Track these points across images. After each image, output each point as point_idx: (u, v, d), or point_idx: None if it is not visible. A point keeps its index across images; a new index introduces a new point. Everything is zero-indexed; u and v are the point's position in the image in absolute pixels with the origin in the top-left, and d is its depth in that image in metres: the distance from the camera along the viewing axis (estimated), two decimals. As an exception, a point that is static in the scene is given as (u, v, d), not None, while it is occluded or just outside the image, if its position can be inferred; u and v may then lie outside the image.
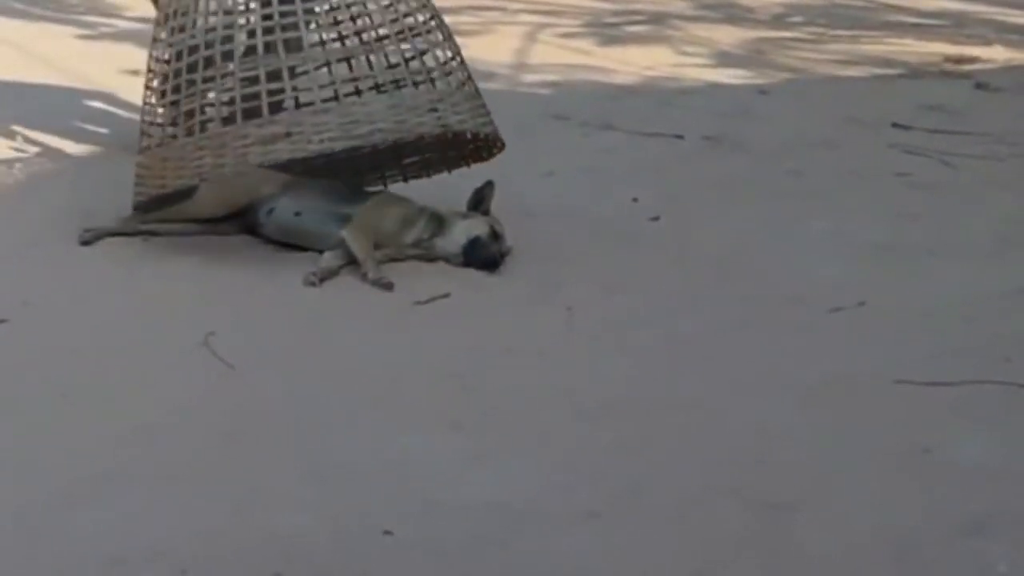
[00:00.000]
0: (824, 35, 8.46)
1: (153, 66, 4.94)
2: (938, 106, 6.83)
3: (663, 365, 4.15)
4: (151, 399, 3.86)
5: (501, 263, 4.78)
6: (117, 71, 6.93)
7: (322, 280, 4.63)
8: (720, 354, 4.22)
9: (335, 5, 4.91)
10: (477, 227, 4.81)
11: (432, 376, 4.06)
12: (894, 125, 6.47)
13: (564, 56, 7.80)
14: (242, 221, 4.93)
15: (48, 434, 3.67)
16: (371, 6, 4.90)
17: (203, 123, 4.80)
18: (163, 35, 4.90)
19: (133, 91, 6.37)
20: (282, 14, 4.73)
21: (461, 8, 8.24)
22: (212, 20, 4.81)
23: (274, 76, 4.70)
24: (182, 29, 4.81)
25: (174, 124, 4.83)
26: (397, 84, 4.81)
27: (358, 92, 4.84)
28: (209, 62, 4.75)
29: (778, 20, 8.89)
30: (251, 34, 4.77)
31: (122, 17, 8.29)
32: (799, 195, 5.63)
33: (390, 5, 4.90)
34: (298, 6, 4.75)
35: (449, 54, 4.91)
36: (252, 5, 4.85)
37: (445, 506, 3.37)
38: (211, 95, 4.80)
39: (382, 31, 4.90)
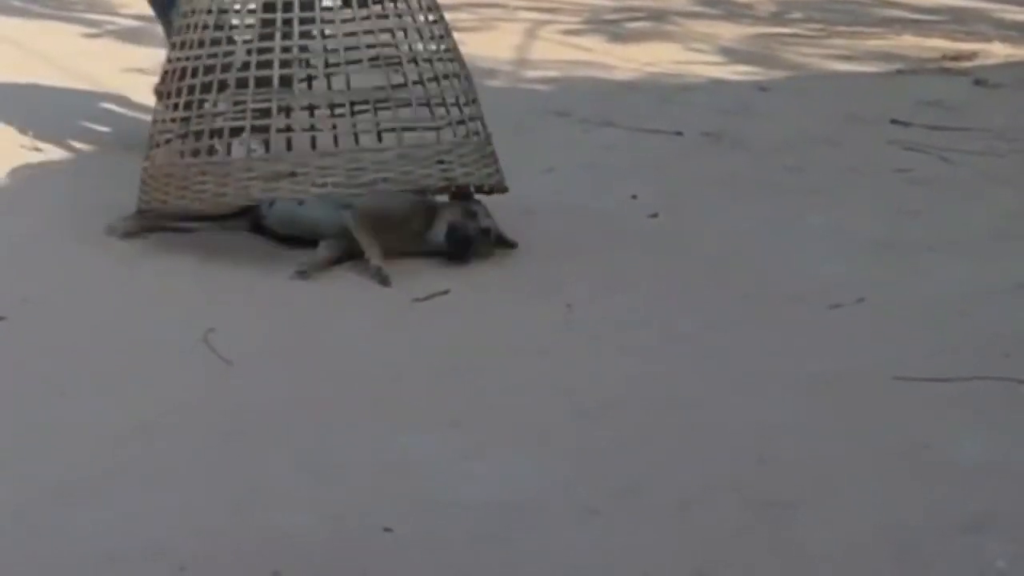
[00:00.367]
0: (824, 31, 8.46)
1: (168, 73, 4.93)
2: (937, 102, 6.82)
3: (663, 362, 4.15)
4: (150, 396, 3.86)
5: (479, 241, 4.78)
6: (117, 69, 6.94)
7: (312, 272, 4.64)
8: (720, 351, 4.21)
9: (354, 45, 4.87)
10: (451, 214, 4.83)
11: (431, 373, 4.06)
12: (893, 121, 6.45)
13: (564, 52, 7.80)
14: (245, 216, 4.93)
15: (46, 432, 3.67)
16: (391, 51, 4.89)
17: (210, 148, 4.83)
18: (178, 46, 4.90)
19: (133, 89, 6.40)
20: (301, 48, 4.79)
21: (460, 5, 8.24)
22: (231, 45, 4.82)
23: (285, 110, 4.78)
24: (200, 44, 4.82)
25: (182, 137, 4.84)
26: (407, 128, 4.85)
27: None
28: (223, 86, 4.78)
29: (777, 16, 8.89)
30: (266, 65, 4.77)
31: (122, 15, 8.30)
32: (799, 191, 5.62)
33: (414, 59, 4.90)
34: (318, 43, 4.84)
35: (463, 99, 4.93)
36: (276, 36, 4.80)
37: (445, 504, 3.36)
38: (220, 121, 4.82)
39: (412, 78, 4.88)
